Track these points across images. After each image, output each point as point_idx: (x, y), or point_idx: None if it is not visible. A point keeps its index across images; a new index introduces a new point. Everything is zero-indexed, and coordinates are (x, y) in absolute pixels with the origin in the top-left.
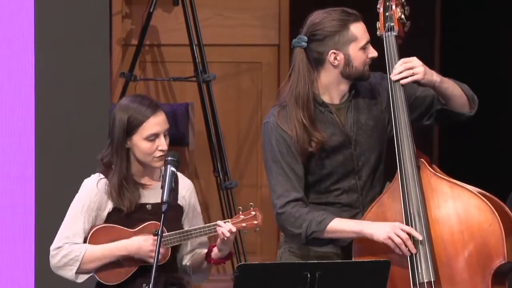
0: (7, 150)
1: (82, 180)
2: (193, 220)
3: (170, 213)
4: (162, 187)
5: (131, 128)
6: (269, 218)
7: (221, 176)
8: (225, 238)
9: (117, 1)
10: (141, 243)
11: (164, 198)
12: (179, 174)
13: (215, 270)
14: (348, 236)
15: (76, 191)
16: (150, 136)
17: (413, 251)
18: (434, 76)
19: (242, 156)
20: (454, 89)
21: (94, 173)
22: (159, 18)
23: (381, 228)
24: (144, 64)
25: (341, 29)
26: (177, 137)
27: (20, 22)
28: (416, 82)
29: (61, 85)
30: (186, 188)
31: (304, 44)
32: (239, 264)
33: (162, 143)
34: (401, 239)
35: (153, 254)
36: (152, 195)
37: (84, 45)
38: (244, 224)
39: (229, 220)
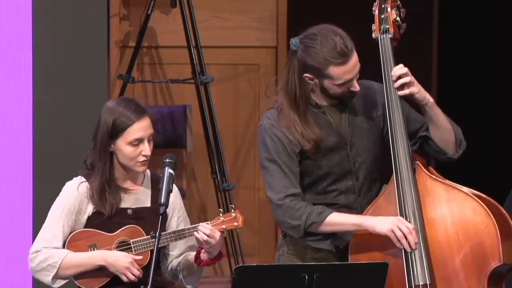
0: (5, 152)
1: None
2: (180, 224)
3: (151, 218)
4: (160, 189)
5: (115, 132)
6: (267, 220)
7: (218, 178)
8: (204, 242)
9: (115, 3)
10: (119, 258)
11: (162, 200)
12: None
13: (212, 272)
14: (347, 229)
15: None
16: (134, 141)
17: (414, 246)
18: (427, 95)
19: (239, 158)
20: (444, 121)
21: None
22: (157, 20)
23: (383, 221)
24: (142, 66)
25: (321, 66)
26: (175, 139)
27: (18, 24)
28: (411, 96)
29: (59, 87)
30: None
31: (296, 48)
32: (237, 266)
33: (146, 148)
34: (403, 233)
35: (126, 272)
36: (134, 200)
37: (82, 47)
38: (224, 226)
39: (209, 222)
